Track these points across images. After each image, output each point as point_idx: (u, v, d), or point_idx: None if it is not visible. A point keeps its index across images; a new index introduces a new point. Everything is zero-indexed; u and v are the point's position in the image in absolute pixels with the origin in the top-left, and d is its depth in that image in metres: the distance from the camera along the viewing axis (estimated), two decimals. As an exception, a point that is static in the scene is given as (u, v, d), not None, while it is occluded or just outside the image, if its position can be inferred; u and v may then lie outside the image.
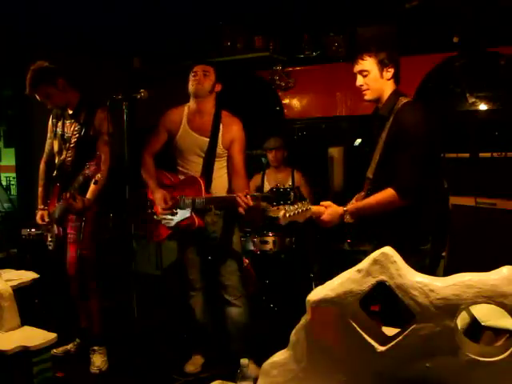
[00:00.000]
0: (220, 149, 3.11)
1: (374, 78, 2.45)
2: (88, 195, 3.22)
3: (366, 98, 2.50)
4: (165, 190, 3.11)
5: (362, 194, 2.56)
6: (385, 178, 2.38)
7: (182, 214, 3.07)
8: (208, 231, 3.16)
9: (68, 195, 3.12)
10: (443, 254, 2.53)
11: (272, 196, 2.56)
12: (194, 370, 3.30)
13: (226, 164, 3.16)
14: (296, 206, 2.26)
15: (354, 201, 2.57)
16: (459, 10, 4.12)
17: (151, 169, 3.21)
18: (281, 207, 2.31)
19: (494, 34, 4.05)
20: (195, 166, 3.13)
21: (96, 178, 3.02)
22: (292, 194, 2.53)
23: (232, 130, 3.11)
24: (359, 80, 2.49)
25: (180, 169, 3.20)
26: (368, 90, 2.47)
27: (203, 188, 3.04)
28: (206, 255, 3.29)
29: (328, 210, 2.37)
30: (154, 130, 3.25)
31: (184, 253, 3.29)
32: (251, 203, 2.75)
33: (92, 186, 3.20)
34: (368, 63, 2.45)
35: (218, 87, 3.15)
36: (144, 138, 3.34)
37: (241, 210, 2.79)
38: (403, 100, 2.42)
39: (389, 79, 2.46)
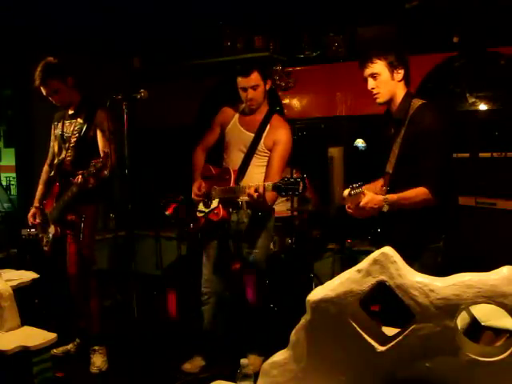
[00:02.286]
0: (261, 146, 3.12)
1: (384, 81, 2.48)
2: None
3: (379, 101, 2.54)
4: (204, 181, 3.19)
5: (384, 188, 2.59)
6: (405, 173, 2.43)
7: (213, 205, 3.11)
8: (234, 229, 3.16)
9: (80, 178, 3.08)
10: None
11: (282, 185, 2.60)
12: (190, 369, 3.26)
13: (266, 164, 3.14)
14: (354, 187, 2.27)
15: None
16: (459, 10, 4.12)
17: (199, 162, 3.29)
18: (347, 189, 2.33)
19: (494, 34, 4.05)
20: (236, 160, 3.16)
21: (102, 175, 3.00)
22: (301, 183, 2.56)
23: (278, 133, 3.11)
24: (370, 83, 2.51)
25: (224, 164, 3.25)
26: (379, 93, 2.51)
27: (232, 179, 3.06)
28: (226, 256, 3.27)
29: (367, 196, 2.32)
30: (209, 126, 3.32)
31: (205, 251, 3.29)
32: (254, 196, 2.75)
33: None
34: (378, 66, 2.48)
35: (268, 85, 3.15)
36: (144, 138, 3.36)
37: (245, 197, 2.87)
38: (417, 102, 2.46)
39: (400, 81, 2.50)
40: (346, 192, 2.30)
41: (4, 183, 5.41)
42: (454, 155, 4.24)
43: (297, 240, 4.19)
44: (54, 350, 3.30)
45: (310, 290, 1.36)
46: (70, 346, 3.56)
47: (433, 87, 4.41)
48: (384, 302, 2.38)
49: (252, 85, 3.03)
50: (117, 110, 2.81)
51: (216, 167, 3.28)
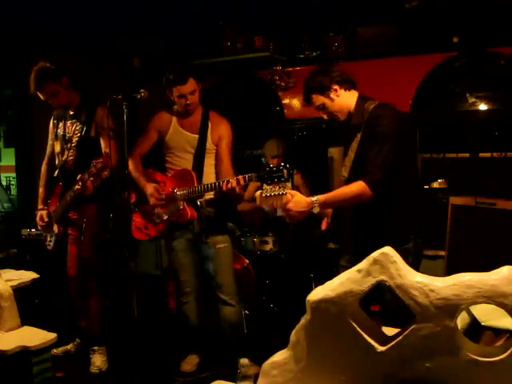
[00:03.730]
0: (209, 144, 3.18)
1: (330, 105, 2.54)
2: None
3: (341, 119, 2.58)
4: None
5: None
6: (359, 176, 2.41)
7: (175, 207, 3.09)
8: (198, 228, 3.16)
9: (79, 184, 3.10)
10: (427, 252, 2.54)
11: (266, 175, 2.59)
12: (190, 369, 3.29)
13: (214, 162, 3.20)
14: (272, 187, 2.25)
15: None
16: (459, 10, 4.12)
17: (140, 168, 3.23)
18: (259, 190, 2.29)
19: (494, 34, 4.06)
20: (185, 162, 3.17)
21: (103, 175, 3.00)
22: (285, 170, 2.54)
23: (220, 128, 3.20)
24: (323, 115, 2.60)
25: (170, 166, 3.23)
26: (336, 116, 2.56)
27: (195, 179, 3.08)
28: (197, 254, 3.28)
29: (294, 198, 2.30)
30: (143, 131, 3.28)
31: (174, 252, 3.29)
32: (236, 188, 2.81)
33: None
34: (316, 100, 2.54)
35: (200, 86, 3.17)
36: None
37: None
38: (371, 104, 2.47)
39: (339, 95, 2.53)
40: (258, 193, 2.26)
41: (4, 183, 5.42)
42: (454, 155, 4.26)
43: (297, 240, 4.19)
44: (54, 350, 3.30)
45: (310, 290, 1.36)
46: (69, 346, 3.56)
47: (433, 87, 4.42)
48: (384, 302, 2.37)
49: (190, 91, 3.07)
50: (117, 110, 2.81)
51: (162, 173, 3.26)
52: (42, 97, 3.26)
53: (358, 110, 2.50)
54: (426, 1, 4.18)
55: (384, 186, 2.34)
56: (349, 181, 2.49)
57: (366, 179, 2.32)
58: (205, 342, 3.41)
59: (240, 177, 2.82)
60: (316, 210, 2.31)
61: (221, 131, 3.19)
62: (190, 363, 3.32)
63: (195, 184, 3.06)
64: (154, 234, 3.23)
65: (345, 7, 4.42)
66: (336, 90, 2.52)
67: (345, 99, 2.54)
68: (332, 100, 2.52)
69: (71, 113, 3.38)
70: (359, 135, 2.46)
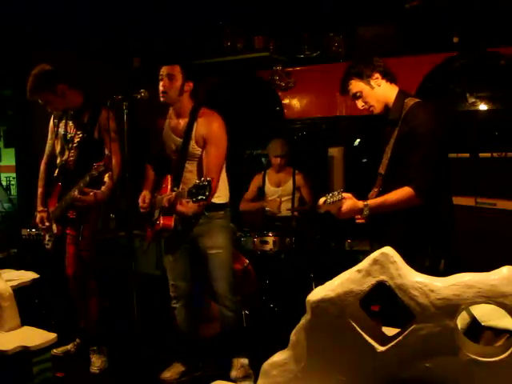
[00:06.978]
0: (192, 148, 2.97)
1: (368, 93, 2.47)
2: (103, 189, 3.19)
3: (375, 112, 2.51)
4: (159, 191, 3.08)
5: (376, 189, 2.55)
6: (397, 174, 2.39)
7: (157, 214, 3.01)
8: (192, 234, 3.06)
9: (77, 192, 3.11)
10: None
11: (193, 190, 2.52)
12: (170, 377, 3.17)
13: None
14: (332, 195, 2.26)
15: (369, 196, 2.53)
16: (459, 9, 4.12)
17: (149, 172, 3.19)
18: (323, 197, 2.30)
19: (493, 34, 4.06)
20: (172, 166, 3.06)
21: (104, 179, 2.97)
22: (207, 187, 2.49)
23: (206, 129, 2.92)
24: (358, 103, 2.53)
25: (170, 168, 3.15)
26: (371, 106, 2.50)
27: (169, 187, 2.97)
28: (188, 259, 3.17)
29: (347, 201, 2.30)
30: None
31: (165, 257, 3.20)
32: (166, 204, 2.76)
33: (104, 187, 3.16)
34: (354, 86, 2.48)
35: (188, 87, 2.98)
36: (144, 138, 3.35)
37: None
38: (411, 101, 2.42)
39: (380, 85, 2.47)
40: (322, 200, 2.27)
41: (4, 183, 5.42)
42: (454, 155, 4.26)
43: (297, 240, 4.19)
44: (54, 350, 3.29)
45: (310, 290, 1.36)
46: (69, 346, 3.56)
47: (433, 87, 4.42)
48: (384, 302, 2.37)
49: (167, 73, 2.90)
50: (117, 110, 2.81)
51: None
52: (39, 101, 3.27)
53: (397, 105, 2.43)
54: (426, 1, 4.19)
55: (431, 192, 2.30)
56: (386, 179, 2.46)
57: (413, 187, 2.27)
58: (192, 351, 3.28)
59: (173, 194, 2.76)
60: (365, 214, 2.31)
61: (206, 132, 2.91)
62: (172, 371, 3.20)
63: (168, 191, 2.94)
64: (149, 237, 3.13)
65: (345, 7, 4.42)
66: (378, 78, 2.45)
67: (384, 91, 2.46)
68: (372, 88, 2.45)
69: (72, 113, 3.37)
70: (396, 131, 2.41)
